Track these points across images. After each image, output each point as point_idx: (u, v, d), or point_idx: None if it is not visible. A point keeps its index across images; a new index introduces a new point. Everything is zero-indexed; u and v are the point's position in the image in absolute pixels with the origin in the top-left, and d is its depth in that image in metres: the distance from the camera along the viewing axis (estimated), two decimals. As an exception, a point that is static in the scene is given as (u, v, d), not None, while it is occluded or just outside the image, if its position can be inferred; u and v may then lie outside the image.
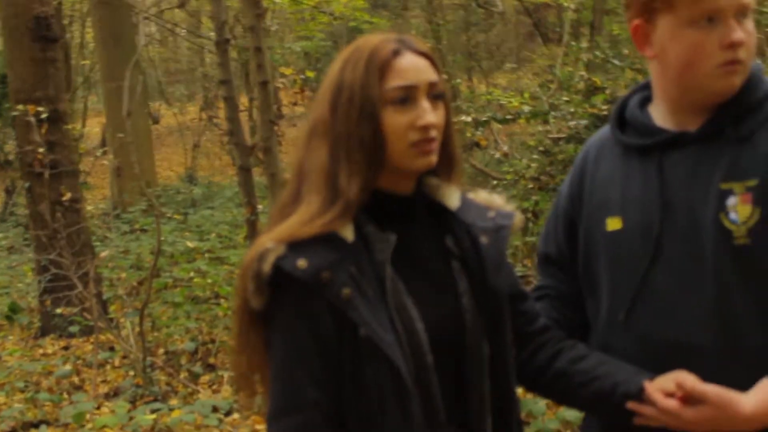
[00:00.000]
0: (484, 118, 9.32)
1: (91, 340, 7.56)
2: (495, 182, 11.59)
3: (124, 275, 9.13)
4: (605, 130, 2.22)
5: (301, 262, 1.78)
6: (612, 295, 2.11)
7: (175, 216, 12.83)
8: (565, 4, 12.98)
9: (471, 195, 2.06)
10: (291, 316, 1.81)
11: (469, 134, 10.10)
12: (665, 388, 1.93)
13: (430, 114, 1.85)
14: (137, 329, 6.99)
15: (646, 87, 2.18)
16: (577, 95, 9.45)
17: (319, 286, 1.78)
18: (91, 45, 18.12)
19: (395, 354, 1.78)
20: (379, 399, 1.79)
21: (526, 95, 10.80)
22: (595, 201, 2.16)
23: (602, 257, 2.13)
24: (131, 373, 6.99)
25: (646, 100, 2.16)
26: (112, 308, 8.31)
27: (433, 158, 1.89)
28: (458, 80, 15.38)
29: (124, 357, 7.41)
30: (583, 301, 2.23)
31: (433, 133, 1.86)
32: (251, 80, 12.29)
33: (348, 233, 1.84)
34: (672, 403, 1.90)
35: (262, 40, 6.33)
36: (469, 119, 9.15)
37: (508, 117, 9.14)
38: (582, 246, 2.19)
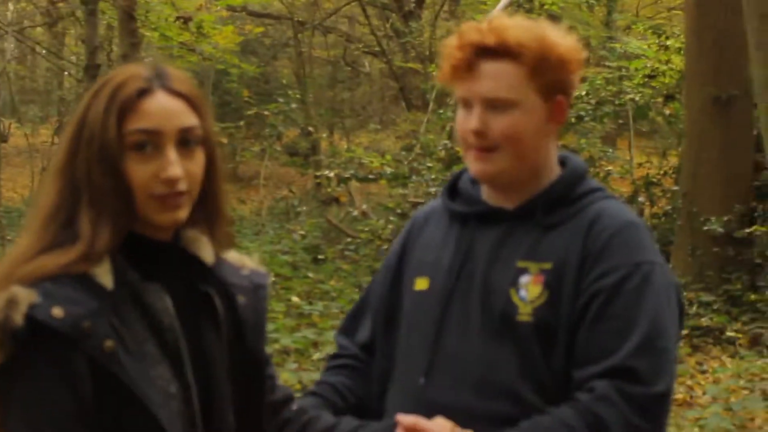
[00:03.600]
0: (347, 175, 9.40)
1: None
2: (349, 239, 11.67)
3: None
4: (438, 200, 2.32)
5: (57, 311, 1.55)
6: (409, 359, 2.16)
7: (18, 240, 12.31)
8: (433, 73, 13.28)
9: (223, 254, 1.87)
10: (46, 375, 1.56)
11: (329, 189, 10.18)
12: None
13: (175, 165, 1.64)
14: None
15: None
16: (439, 162, 9.66)
17: (80, 338, 1.56)
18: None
19: (163, 414, 1.62)
20: None
21: (388, 157, 10.96)
22: (413, 262, 2.23)
23: (404, 317, 2.20)
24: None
25: None
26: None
27: (181, 213, 1.69)
28: (323, 135, 15.47)
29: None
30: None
31: (182, 186, 1.66)
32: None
33: (106, 280, 1.63)
34: None
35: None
36: (331, 175, 9.22)
37: (371, 177, 9.24)
38: (393, 303, 2.25)
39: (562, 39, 2.06)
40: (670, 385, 1.97)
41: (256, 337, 1.84)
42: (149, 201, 1.65)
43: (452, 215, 2.21)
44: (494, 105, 2.04)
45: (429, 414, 2.02)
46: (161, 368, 1.64)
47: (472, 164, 2.10)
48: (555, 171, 2.15)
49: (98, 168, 1.63)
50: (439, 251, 2.18)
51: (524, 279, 2.03)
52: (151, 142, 1.64)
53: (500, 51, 2.02)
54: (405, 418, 1.97)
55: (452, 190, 2.25)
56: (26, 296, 1.56)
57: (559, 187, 2.11)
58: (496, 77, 2.03)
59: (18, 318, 1.54)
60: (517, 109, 2.04)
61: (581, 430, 1.92)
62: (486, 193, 2.17)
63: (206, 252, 1.78)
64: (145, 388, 1.61)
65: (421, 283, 2.17)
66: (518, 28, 2.04)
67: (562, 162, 2.19)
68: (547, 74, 2.04)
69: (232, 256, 1.87)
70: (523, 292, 2.03)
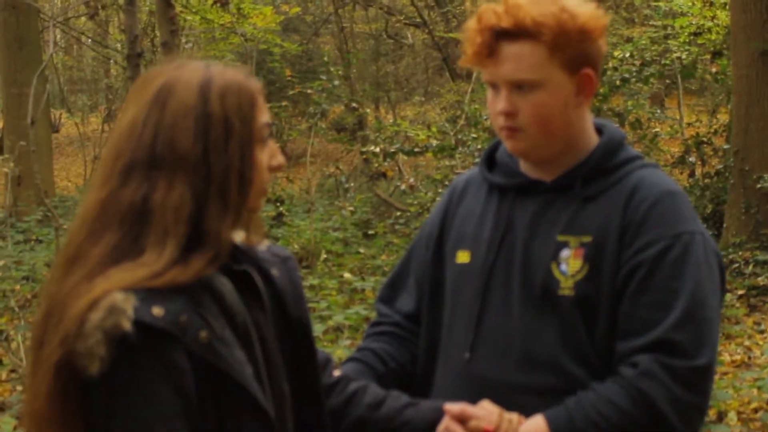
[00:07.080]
0: (392, 150, 9.39)
1: (-22, 352, 7.32)
2: (398, 213, 11.69)
3: (18, 287, 8.86)
4: (476, 169, 2.31)
5: (157, 310, 1.56)
6: (453, 332, 2.18)
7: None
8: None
9: (256, 237, 1.91)
10: (152, 376, 1.57)
11: (376, 164, 10.21)
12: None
13: (281, 153, 1.80)
14: (28, 343, 6.80)
15: None
16: (485, 132, 9.62)
17: (179, 333, 1.58)
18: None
19: (261, 397, 1.68)
20: None
21: (434, 129, 10.94)
22: (453, 233, 2.24)
23: (447, 290, 2.21)
24: (19, 387, 6.78)
25: None
26: (2, 320, 8.06)
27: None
28: (367, 110, 15.47)
29: (13, 371, 7.19)
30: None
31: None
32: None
33: None
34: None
35: (175, 56, 6.29)
36: (377, 150, 9.22)
37: (417, 150, 9.23)
38: (437, 274, 2.26)
39: (579, 9, 2.02)
40: (712, 356, 1.96)
41: (297, 305, 1.88)
42: (264, 188, 1.76)
43: (491, 186, 2.21)
44: (519, 86, 2.02)
45: (475, 388, 2.05)
46: (239, 352, 1.66)
47: (505, 141, 2.10)
48: (592, 140, 2.13)
49: (241, 158, 1.68)
50: (479, 223, 2.18)
51: (564, 253, 2.04)
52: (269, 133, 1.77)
53: (518, 32, 1.99)
54: (452, 407, 1.98)
55: (490, 161, 2.24)
56: (126, 300, 1.55)
57: (597, 158, 2.10)
58: (518, 59, 2.00)
59: (126, 324, 1.53)
60: (542, 89, 2.01)
61: (626, 406, 1.92)
62: (524, 165, 2.16)
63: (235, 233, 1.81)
64: (243, 373, 1.64)
65: (463, 256, 2.18)
66: (533, 5, 2.00)
67: (599, 130, 2.17)
68: (569, 49, 2.00)
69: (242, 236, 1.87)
70: (563, 266, 2.03)
